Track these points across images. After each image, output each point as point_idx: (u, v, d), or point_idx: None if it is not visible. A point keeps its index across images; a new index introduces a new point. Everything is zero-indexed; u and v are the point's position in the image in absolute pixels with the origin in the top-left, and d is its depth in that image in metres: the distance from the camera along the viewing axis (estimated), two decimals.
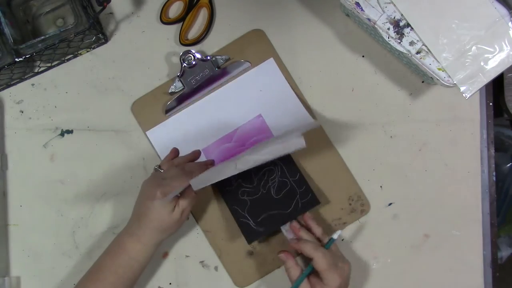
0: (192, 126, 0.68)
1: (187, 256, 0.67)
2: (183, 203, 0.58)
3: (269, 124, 0.67)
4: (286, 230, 0.64)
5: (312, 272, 0.58)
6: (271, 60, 0.68)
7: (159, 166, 0.61)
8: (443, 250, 0.67)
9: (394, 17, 0.59)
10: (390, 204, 0.68)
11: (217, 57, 0.67)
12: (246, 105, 0.68)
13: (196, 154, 0.64)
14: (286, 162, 0.66)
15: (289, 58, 0.69)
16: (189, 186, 0.53)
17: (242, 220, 0.64)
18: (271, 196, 0.65)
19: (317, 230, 0.62)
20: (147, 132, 0.68)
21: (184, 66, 0.67)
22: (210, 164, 0.63)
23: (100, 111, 0.69)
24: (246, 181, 0.65)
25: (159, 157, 0.68)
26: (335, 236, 0.61)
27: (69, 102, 0.69)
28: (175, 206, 0.57)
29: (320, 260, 0.57)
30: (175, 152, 0.63)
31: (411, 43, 0.59)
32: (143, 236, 0.58)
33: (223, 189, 0.66)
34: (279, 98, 0.68)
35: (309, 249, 0.58)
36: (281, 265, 0.66)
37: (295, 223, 0.63)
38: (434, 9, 0.58)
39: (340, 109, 0.69)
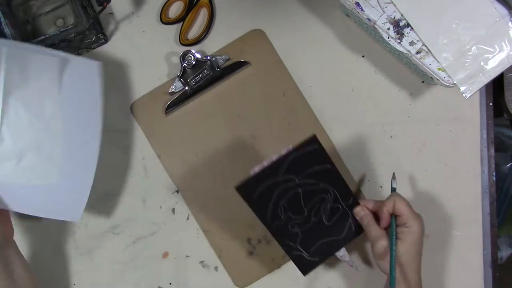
0: None
1: (187, 256, 0.67)
2: None
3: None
4: (341, 256, 0.62)
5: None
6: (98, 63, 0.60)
7: None
8: (443, 250, 0.67)
9: (394, 17, 0.59)
10: None
11: (217, 57, 0.67)
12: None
13: None
14: (340, 187, 0.60)
15: (289, 58, 0.69)
16: None
17: (295, 254, 0.59)
18: (323, 224, 0.60)
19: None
20: None
21: (184, 66, 0.67)
22: None
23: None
24: (295, 212, 0.59)
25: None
26: (394, 185, 0.61)
27: None
28: None
29: (402, 201, 0.56)
30: None
31: (411, 43, 0.59)
32: None
33: (271, 225, 0.58)
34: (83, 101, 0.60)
35: (387, 199, 0.58)
36: (281, 265, 0.66)
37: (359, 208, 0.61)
38: (434, 9, 0.59)
39: (340, 109, 0.69)
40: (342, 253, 0.62)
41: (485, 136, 0.69)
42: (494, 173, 0.69)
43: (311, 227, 0.59)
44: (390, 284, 0.54)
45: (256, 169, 0.57)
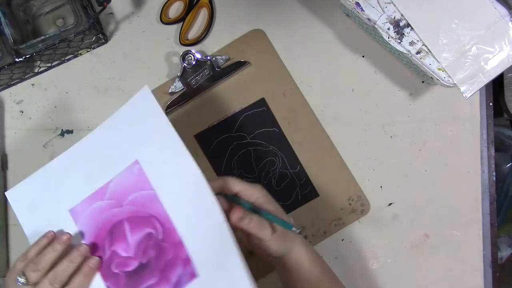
0: (57, 182, 0.53)
1: None
2: None
3: (148, 174, 0.51)
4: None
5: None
6: (146, 89, 0.53)
7: (23, 274, 0.47)
8: (443, 250, 0.67)
9: (394, 17, 0.59)
10: (390, 204, 0.68)
11: (217, 57, 0.67)
12: (117, 151, 0.52)
13: (67, 239, 0.50)
14: (287, 153, 0.67)
15: (289, 58, 0.69)
16: None
17: None
18: (272, 187, 0.66)
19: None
20: (6, 193, 0.54)
21: (184, 66, 0.67)
22: (85, 253, 0.50)
23: (100, 111, 0.69)
24: (248, 171, 0.66)
25: (24, 233, 0.54)
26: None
27: (69, 102, 0.69)
28: None
29: (230, 178, 0.50)
30: (50, 238, 0.50)
31: (411, 43, 0.59)
32: None
33: None
34: (157, 138, 0.51)
35: (215, 180, 0.50)
36: None
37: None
38: (434, 9, 0.58)
39: (340, 109, 0.69)
40: (290, 219, 0.61)
41: (485, 136, 0.69)
42: (494, 173, 0.69)
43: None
44: (288, 228, 0.50)
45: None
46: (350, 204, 0.67)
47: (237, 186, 0.50)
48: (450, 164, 0.68)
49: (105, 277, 0.51)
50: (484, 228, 0.68)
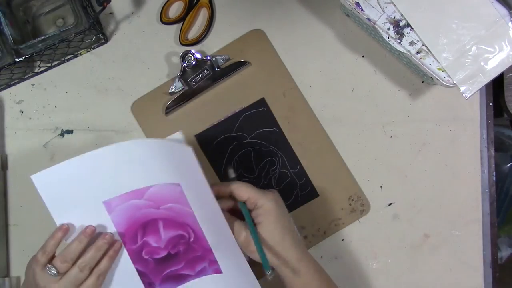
0: (95, 172, 0.53)
1: None
2: None
3: (188, 197, 0.55)
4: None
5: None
6: (190, 149, 0.53)
7: (51, 263, 0.51)
8: (443, 250, 0.67)
9: (394, 17, 0.59)
10: (390, 204, 0.68)
11: (217, 57, 0.67)
12: (164, 166, 0.54)
13: (91, 231, 0.52)
14: (287, 153, 0.67)
15: (289, 58, 0.69)
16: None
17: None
18: (272, 187, 0.66)
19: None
20: (32, 177, 0.53)
21: (184, 66, 0.67)
22: (110, 241, 0.53)
23: (100, 111, 0.69)
24: (248, 171, 0.66)
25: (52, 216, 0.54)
26: (232, 175, 0.57)
27: (69, 102, 0.69)
28: None
29: (240, 185, 0.53)
30: (65, 231, 0.52)
31: (411, 43, 0.59)
32: None
33: (224, 179, 0.66)
34: (194, 180, 0.55)
35: (223, 185, 0.54)
36: None
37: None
38: (434, 9, 0.58)
39: (340, 109, 0.69)
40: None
41: (485, 136, 0.69)
42: (494, 173, 0.69)
43: (261, 187, 0.60)
44: (264, 268, 0.51)
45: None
46: (350, 204, 0.67)
47: (246, 193, 0.53)
48: (450, 164, 0.68)
49: (134, 261, 0.56)
50: (484, 228, 0.68)
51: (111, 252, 0.53)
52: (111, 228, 0.55)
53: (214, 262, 0.56)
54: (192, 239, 0.56)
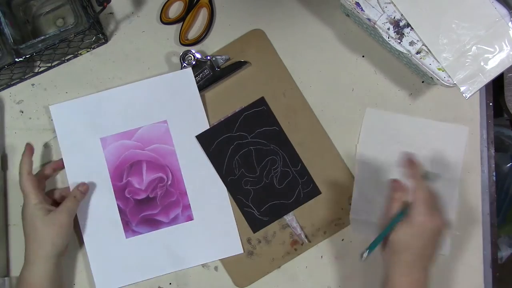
0: (97, 112, 0.66)
1: None
2: (64, 207, 0.60)
3: (172, 134, 0.66)
4: (289, 220, 0.65)
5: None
6: (189, 70, 0.66)
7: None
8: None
9: (394, 17, 0.59)
10: None
11: (217, 57, 0.67)
12: (153, 106, 0.66)
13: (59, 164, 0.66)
14: (288, 151, 0.67)
15: (289, 58, 0.69)
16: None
17: (246, 210, 0.66)
18: (274, 186, 0.66)
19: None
20: (50, 107, 0.66)
21: (184, 66, 0.67)
22: (83, 190, 0.64)
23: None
24: (249, 171, 0.66)
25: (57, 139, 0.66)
26: (431, 177, 0.58)
27: None
28: (49, 211, 0.59)
29: (422, 191, 0.53)
30: (30, 150, 0.63)
31: (411, 43, 0.59)
32: (28, 255, 0.58)
33: (226, 179, 0.66)
34: (187, 110, 0.66)
35: (418, 176, 0.55)
36: (281, 265, 0.66)
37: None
38: (434, 9, 0.58)
39: (340, 109, 0.69)
40: (290, 217, 0.66)
41: (485, 136, 0.69)
42: (494, 173, 0.69)
43: (263, 187, 0.65)
44: (369, 248, 0.55)
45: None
46: (350, 204, 0.67)
47: (415, 198, 0.54)
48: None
49: (117, 197, 0.65)
50: (484, 228, 0.68)
51: (75, 192, 0.63)
52: (103, 162, 0.65)
53: (187, 207, 0.65)
54: (169, 182, 0.65)
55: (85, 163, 0.65)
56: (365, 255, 0.55)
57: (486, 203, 0.68)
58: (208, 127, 0.66)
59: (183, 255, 0.65)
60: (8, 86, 0.69)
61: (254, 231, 0.66)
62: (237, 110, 0.68)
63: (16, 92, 0.69)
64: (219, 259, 0.66)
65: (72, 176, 0.65)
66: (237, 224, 0.66)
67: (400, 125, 0.67)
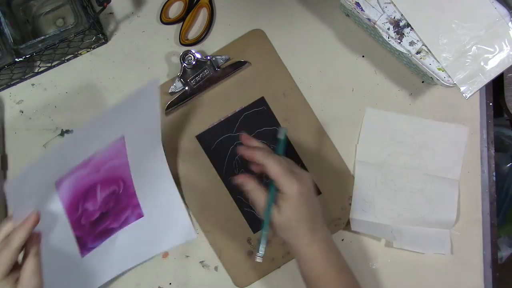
0: (54, 164, 0.54)
1: (187, 256, 0.67)
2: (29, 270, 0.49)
3: (128, 147, 0.59)
4: None
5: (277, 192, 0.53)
6: (156, 81, 0.55)
7: None
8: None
9: (394, 17, 0.59)
10: None
11: (217, 57, 0.67)
12: (112, 125, 0.56)
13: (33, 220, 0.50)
14: (288, 151, 0.67)
15: (289, 58, 0.69)
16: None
17: (246, 210, 0.66)
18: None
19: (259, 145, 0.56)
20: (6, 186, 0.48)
21: (184, 66, 0.67)
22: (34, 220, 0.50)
23: (100, 111, 0.69)
24: (249, 171, 0.65)
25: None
26: (281, 136, 0.56)
27: (69, 102, 0.69)
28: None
29: (273, 165, 0.52)
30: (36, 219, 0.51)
31: (411, 43, 0.59)
32: None
33: (226, 179, 0.67)
34: (145, 124, 0.59)
35: (260, 155, 0.53)
36: (281, 265, 0.66)
37: (244, 134, 0.57)
38: (434, 9, 0.58)
39: (340, 109, 0.69)
40: None
41: (485, 136, 0.69)
42: (494, 173, 0.69)
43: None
44: (257, 250, 0.53)
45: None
46: (350, 204, 0.67)
47: (274, 175, 0.52)
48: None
49: (74, 229, 0.60)
50: (484, 228, 0.68)
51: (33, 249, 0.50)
52: (58, 205, 0.58)
53: (136, 205, 0.63)
54: (121, 191, 0.62)
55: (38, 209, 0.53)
56: (258, 257, 0.53)
57: (486, 203, 0.68)
58: (159, 138, 0.61)
59: (138, 251, 0.64)
60: (8, 86, 0.69)
61: (254, 231, 0.66)
62: (237, 110, 0.68)
63: (16, 92, 0.69)
64: (219, 259, 0.66)
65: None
66: (235, 224, 0.66)
67: (400, 125, 0.67)
